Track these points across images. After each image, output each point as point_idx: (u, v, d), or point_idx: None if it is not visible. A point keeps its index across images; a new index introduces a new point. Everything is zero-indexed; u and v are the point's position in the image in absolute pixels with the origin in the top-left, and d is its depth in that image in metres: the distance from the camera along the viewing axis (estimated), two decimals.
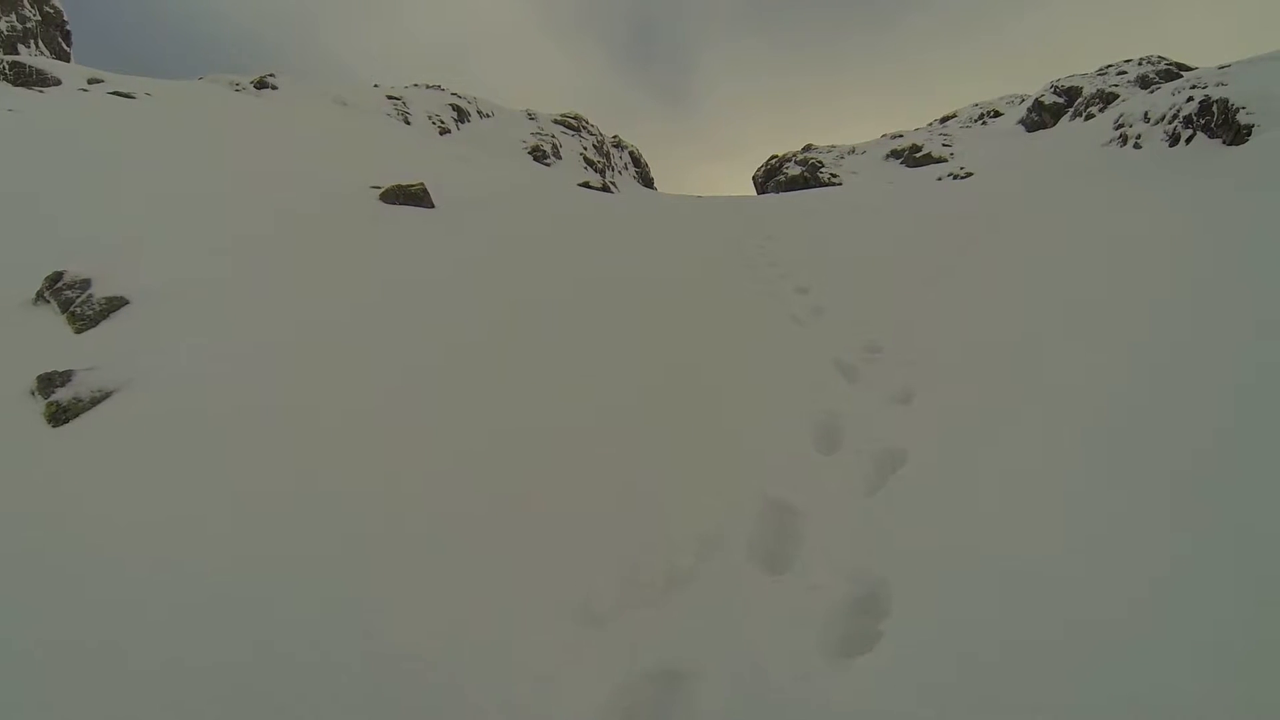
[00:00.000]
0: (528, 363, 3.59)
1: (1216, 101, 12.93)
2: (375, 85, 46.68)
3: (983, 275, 5.14)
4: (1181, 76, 21.39)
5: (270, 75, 40.89)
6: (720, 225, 9.48)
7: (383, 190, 7.28)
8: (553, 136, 33.93)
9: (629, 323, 4.30)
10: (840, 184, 30.93)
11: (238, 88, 38.83)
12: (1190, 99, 13.88)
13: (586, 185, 18.32)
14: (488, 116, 40.10)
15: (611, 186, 24.30)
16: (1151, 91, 18.33)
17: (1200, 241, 5.20)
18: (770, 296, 5.21)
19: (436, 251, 5.51)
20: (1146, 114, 15.45)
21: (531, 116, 37.42)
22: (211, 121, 10.66)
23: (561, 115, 37.38)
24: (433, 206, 7.32)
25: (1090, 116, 27.04)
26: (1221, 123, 12.69)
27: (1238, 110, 12.28)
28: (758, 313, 4.83)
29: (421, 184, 7.52)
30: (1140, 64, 30.12)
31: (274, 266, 4.67)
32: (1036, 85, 36.70)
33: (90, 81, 16.71)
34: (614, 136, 40.21)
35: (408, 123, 41.32)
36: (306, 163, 8.68)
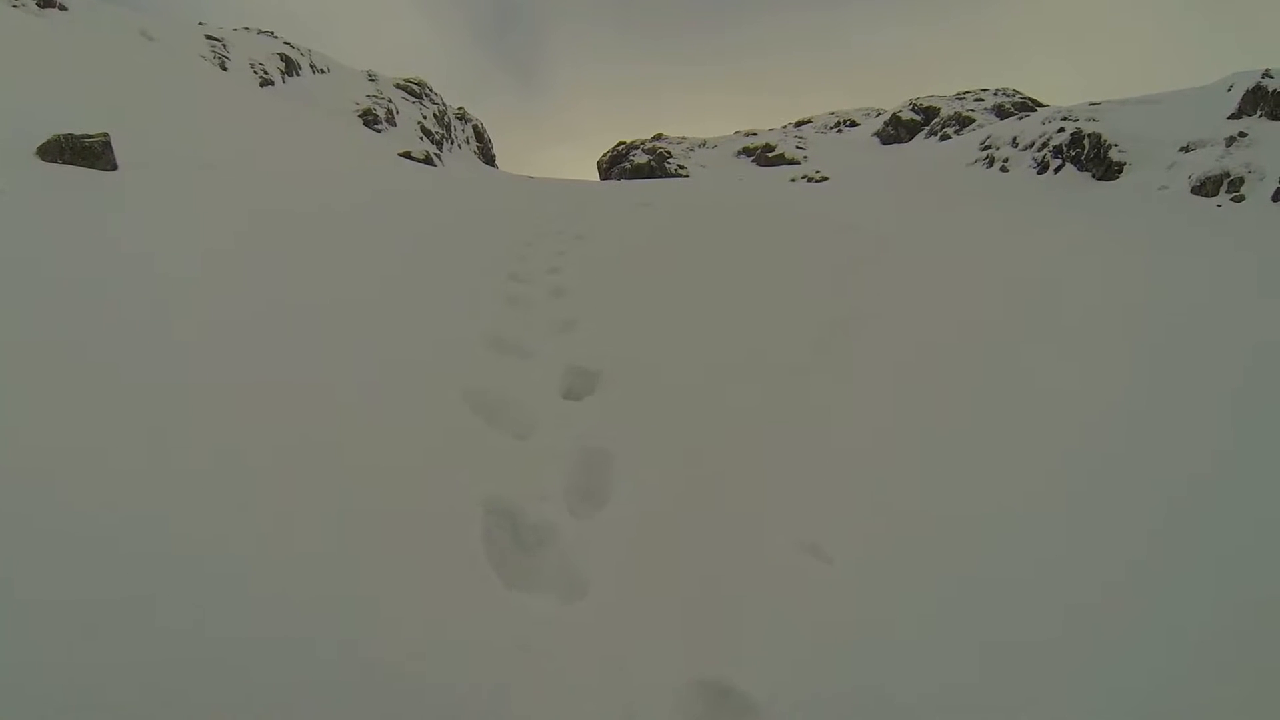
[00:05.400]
0: None
1: (1089, 135, 12.29)
2: (200, 23, 39.88)
3: (911, 362, 2.84)
4: (1035, 111, 21.45)
5: None
6: (525, 214, 6.88)
7: (45, 141, 4.79)
8: (390, 101, 29.65)
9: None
10: (687, 176, 29.31)
11: (15, 4, 30.93)
12: (1061, 129, 13.17)
13: (408, 155, 15.08)
14: (322, 72, 34.88)
15: (436, 159, 20.88)
16: (1020, 118, 17.90)
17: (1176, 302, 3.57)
18: (511, 405, 2.44)
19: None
20: (1015, 139, 14.82)
21: (372, 78, 32.89)
22: None
23: (405, 80, 33.06)
24: (112, 169, 4.92)
25: (946, 136, 27.34)
26: (1093, 157, 12.04)
27: (1110, 147, 11.70)
28: (435, 509, 1.79)
29: (104, 136, 4.89)
30: (996, 94, 31.31)
31: None
32: (890, 101, 37.46)
33: None
34: (459, 108, 36.31)
35: (224, 69, 35.21)
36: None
